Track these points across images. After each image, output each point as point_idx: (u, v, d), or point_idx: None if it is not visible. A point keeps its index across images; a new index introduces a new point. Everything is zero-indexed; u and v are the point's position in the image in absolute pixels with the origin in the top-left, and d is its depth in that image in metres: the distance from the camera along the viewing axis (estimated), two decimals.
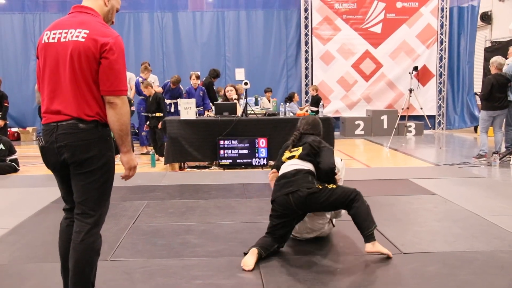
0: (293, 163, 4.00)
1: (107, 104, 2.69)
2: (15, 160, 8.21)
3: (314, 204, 3.80)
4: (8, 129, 10.75)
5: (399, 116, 11.78)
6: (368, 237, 3.76)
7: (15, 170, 8.13)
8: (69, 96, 2.68)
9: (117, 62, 2.66)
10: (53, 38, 2.72)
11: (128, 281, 3.37)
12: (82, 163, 2.70)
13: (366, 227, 3.76)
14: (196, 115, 8.53)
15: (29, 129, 13.62)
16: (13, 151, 8.20)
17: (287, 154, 4.12)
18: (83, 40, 2.63)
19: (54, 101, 2.72)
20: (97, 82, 2.67)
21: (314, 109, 11.23)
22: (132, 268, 3.58)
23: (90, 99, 2.68)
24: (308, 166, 3.95)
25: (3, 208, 5.57)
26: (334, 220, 4.34)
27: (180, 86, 10.60)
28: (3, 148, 7.97)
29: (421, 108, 11.45)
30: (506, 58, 8.96)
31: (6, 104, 9.16)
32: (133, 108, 10.12)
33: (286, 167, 4.02)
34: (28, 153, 10.72)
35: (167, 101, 10.28)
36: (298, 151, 4.05)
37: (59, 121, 2.69)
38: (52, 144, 2.70)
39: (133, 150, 3.12)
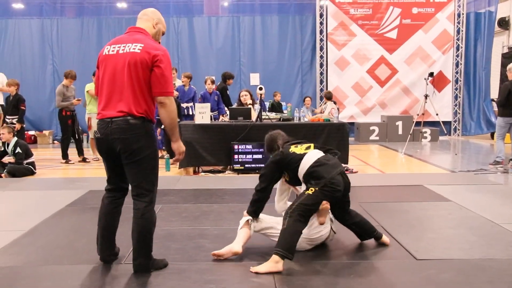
0: (318, 151, 4.02)
1: (159, 104, 3.37)
2: (32, 163, 8.30)
3: (347, 192, 3.95)
4: (25, 132, 10.87)
5: (414, 122, 11.69)
6: (378, 236, 4.15)
7: (32, 173, 8.21)
8: (124, 96, 3.32)
9: (166, 69, 3.34)
10: (113, 51, 3.40)
11: (142, 284, 3.39)
12: (133, 153, 3.34)
13: (373, 228, 4.15)
14: (211, 119, 8.56)
15: (46, 132, 13.76)
16: (30, 154, 8.29)
17: (299, 147, 4.07)
18: (139, 51, 3.31)
19: (111, 101, 3.36)
20: (148, 86, 3.34)
21: None
22: (146, 272, 3.58)
23: (141, 99, 3.34)
24: None
25: (19, 211, 5.64)
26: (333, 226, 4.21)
27: (193, 87, 10.64)
28: (20, 151, 8.05)
29: (437, 114, 11.35)
30: None
31: (23, 108, 9.24)
32: None
33: (316, 154, 3.96)
34: (45, 156, 10.84)
35: (184, 105, 10.32)
36: (311, 145, 4.10)
37: (113, 117, 3.33)
38: (107, 136, 3.36)
39: None
